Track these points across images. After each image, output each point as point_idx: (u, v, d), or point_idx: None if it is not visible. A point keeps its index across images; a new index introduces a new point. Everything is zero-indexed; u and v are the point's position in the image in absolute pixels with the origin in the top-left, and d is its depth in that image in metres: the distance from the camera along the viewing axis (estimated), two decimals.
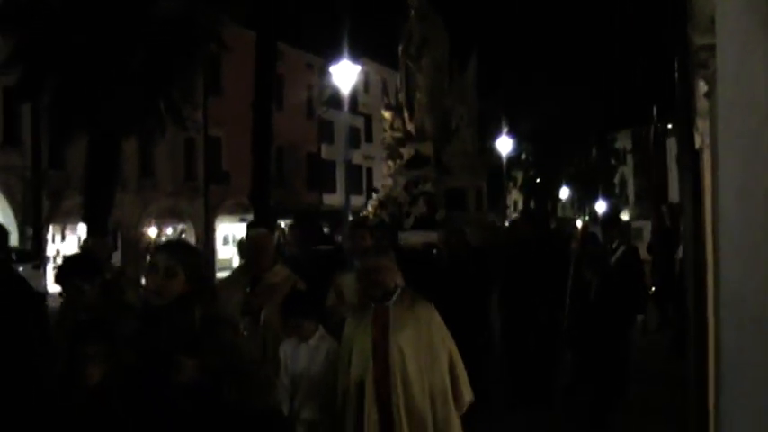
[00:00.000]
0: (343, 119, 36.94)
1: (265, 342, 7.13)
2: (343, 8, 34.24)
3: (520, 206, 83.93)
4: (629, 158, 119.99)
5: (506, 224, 33.90)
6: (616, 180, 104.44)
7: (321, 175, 61.98)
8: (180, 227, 50.40)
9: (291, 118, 54.12)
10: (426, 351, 6.26)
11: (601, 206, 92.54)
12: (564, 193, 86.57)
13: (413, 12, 26.80)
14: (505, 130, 59.76)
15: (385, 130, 27.87)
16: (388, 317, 6.30)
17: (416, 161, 26.27)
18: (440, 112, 26.86)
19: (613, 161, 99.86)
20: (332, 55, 34.24)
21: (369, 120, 64.76)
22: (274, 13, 32.42)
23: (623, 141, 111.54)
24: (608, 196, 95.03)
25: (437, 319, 6.45)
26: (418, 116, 26.70)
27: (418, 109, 26.68)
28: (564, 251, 13.02)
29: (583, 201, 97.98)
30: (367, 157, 65.47)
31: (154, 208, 47.16)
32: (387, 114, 27.77)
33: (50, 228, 41.05)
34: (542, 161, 78.13)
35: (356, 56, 33.05)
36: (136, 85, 23.35)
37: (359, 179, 63.93)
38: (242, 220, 42.94)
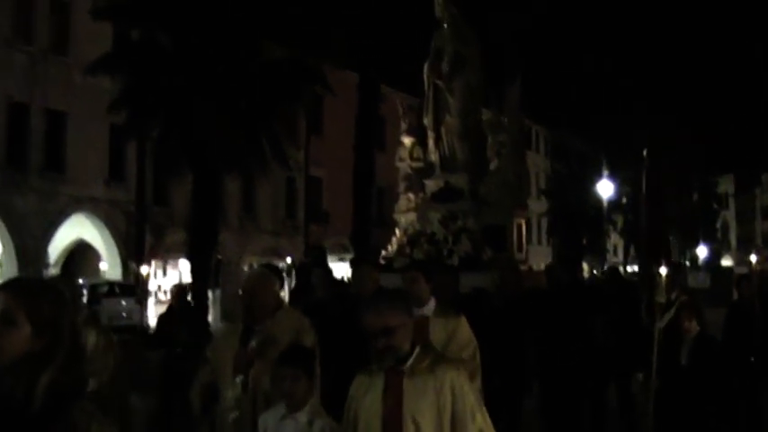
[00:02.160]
0: None
1: (255, 410, 6.02)
2: None
3: (620, 251, 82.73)
4: (732, 203, 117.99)
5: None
6: (718, 225, 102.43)
7: None
8: (280, 265, 50.84)
9: (392, 159, 54.24)
10: (450, 426, 4.88)
11: (702, 251, 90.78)
12: None
13: (445, 26, 23.81)
14: (606, 173, 59.05)
15: (402, 159, 25.04)
16: (402, 386, 4.88)
17: (447, 194, 23.18)
18: (474, 139, 23.82)
19: (715, 205, 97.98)
20: None
21: None
22: (377, 56, 32.58)
23: (725, 185, 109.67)
24: (709, 241, 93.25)
25: (466, 386, 5.03)
26: (447, 143, 23.68)
27: (447, 135, 23.64)
28: (632, 301, 12.07)
29: (684, 245, 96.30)
30: None
31: (255, 246, 47.66)
32: (406, 141, 24.85)
33: (153, 262, 41.70)
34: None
35: None
36: (241, 126, 23.62)
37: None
38: (341, 260, 43.13)
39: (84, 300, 35.02)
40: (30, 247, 37.17)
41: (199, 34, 23.66)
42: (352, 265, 12.90)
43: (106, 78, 28.50)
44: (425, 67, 23.75)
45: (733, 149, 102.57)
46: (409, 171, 24.48)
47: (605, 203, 58.01)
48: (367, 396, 4.97)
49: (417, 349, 4.98)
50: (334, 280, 11.22)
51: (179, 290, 13.27)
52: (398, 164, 25.16)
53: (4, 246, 36.75)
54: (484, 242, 22.10)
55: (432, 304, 7.24)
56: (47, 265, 39.22)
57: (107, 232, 40.73)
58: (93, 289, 35.56)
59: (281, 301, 6.69)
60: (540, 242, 77.39)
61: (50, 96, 37.83)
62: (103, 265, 41.22)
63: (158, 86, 23.38)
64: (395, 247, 23.15)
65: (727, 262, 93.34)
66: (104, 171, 40.33)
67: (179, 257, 40.22)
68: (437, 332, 6.80)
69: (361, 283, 8.54)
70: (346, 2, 36.64)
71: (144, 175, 32.93)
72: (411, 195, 24.13)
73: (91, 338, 6.65)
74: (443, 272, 10.04)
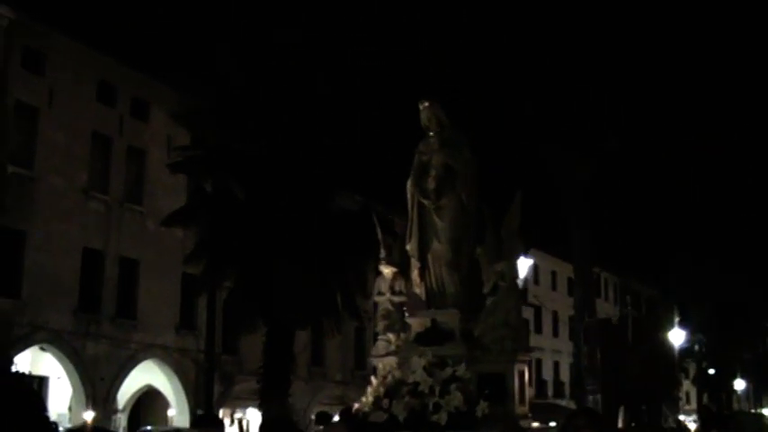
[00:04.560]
0: None
1: None
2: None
3: (693, 399, 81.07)
4: None
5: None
6: None
7: None
8: None
9: None
10: None
11: None
12: (739, 384, 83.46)
13: (431, 134, 19.37)
14: (677, 320, 58.36)
15: (381, 293, 20.02)
16: None
17: (434, 335, 18.59)
18: (467, 270, 19.29)
19: None
20: None
21: (538, 310, 64.61)
22: None
23: None
24: None
25: None
26: (435, 274, 19.18)
27: (435, 264, 19.15)
28: None
29: (759, 392, 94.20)
30: (536, 348, 64.96)
31: (323, 395, 47.45)
32: (386, 271, 19.95)
33: (221, 411, 41.57)
34: (716, 352, 75.84)
35: (526, 247, 32.89)
36: (314, 279, 23.76)
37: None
38: None
39: None
40: (99, 392, 37.31)
41: (272, 187, 24.05)
42: (319, 421, 10.46)
43: (179, 227, 28.93)
44: (408, 183, 19.22)
45: None
46: (390, 307, 19.73)
47: (676, 351, 57.07)
48: None
49: None
50: None
51: None
52: (377, 298, 20.23)
53: (74, 390, 36.95)
54: (478, 394, 17.63)
55: None
56: (115, 411, 39.31)
57: (176, 379, 40.84)
58: None
59: None
60: None
61: (124, 244, 38.52)
62: (171, 412, 41.16)
63: (232, 240, 23.72)
64: (370, 398, 18.12)
65: None
66: (175, 319, 40.73)
67: (248, 406, 40.09)
68: None
69: None
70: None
71: (214, 324, 33.16)
72: (391, 336, 19.49)
73: None
74: (424, 430, 8.63)
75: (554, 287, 71.37)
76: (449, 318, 18.49)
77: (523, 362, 18.93)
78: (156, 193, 38.77)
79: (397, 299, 19.49)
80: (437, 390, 17.29)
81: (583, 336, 41.07)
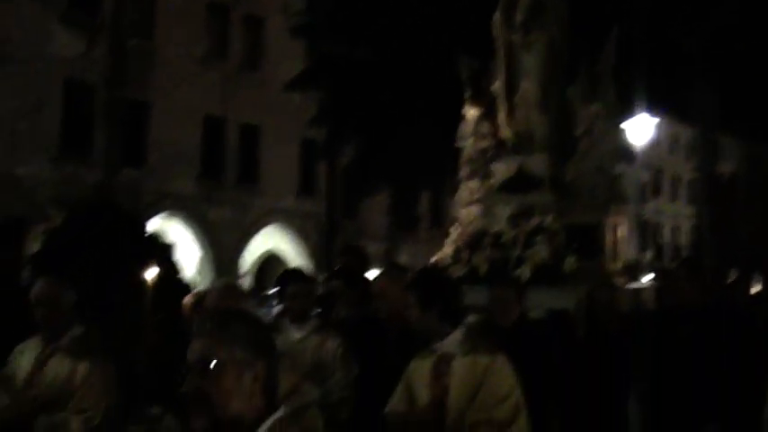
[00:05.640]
0: (634, 174, 36.04)
1: None
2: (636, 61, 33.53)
3: None
4: None
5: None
6: None
7: None
8: None
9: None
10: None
11: None
12: None
13: None
14: None
15: (465, 137, 18.12)
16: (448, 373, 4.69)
17: (520, 182, 16.83)
18: (558, 111, 17.22)
19: None
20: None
21: (658, 174, 63.88)
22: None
23: None
24: None
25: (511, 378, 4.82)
26: (523, 115, 17.11)
27: (523, 105, 17.07)
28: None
29: None
30: (656, 212, 64.35)
31: None
32: (471, 112, 18.02)
33: None
34: None
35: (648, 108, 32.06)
36: (437, 140, 23.61)
37: (645, 234, 63.00)
38: None
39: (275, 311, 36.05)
40: (225, 258, 38.27)
41: (394, 47, 23.79)
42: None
43: (299, 92, 28.97)
44: (495, 18, 17.26)
45: None
46: (474, 152, 17.83)
47: None
48: (417, 383, 5.03)
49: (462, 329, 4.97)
50: (363, 296, 8.29)
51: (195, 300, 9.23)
52: (460, 143, 18.35)
53: (201, 255, 37.96)
54: (567, 247, 15.92)
55: (457, 335, 5.25)
56: (240, 275, 40.24)
57: (298, 244, 41.55)
58: None
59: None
60: None
61: (244, 111, 38.85)
62: None
63: (354, 103, 23.64)
64: (449, 249, 16.92)
65: None
66: (296, 183, 41.21)
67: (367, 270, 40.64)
68: (462, 377, 5.11)
69: (386, 296, 6.59)
70: None
71: (335, 188, 33.45)
72: (475, 183, 17.62)
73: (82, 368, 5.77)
74: (500, 284, 7.85)
75: (673, 150, 70.16)
76: (537, 163, 16.71)
77: (618, 214, 17.39)
78: (274, 59, 38.77)
79: (481, 143, 17.66)
80: (521, 242, 15.87)
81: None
